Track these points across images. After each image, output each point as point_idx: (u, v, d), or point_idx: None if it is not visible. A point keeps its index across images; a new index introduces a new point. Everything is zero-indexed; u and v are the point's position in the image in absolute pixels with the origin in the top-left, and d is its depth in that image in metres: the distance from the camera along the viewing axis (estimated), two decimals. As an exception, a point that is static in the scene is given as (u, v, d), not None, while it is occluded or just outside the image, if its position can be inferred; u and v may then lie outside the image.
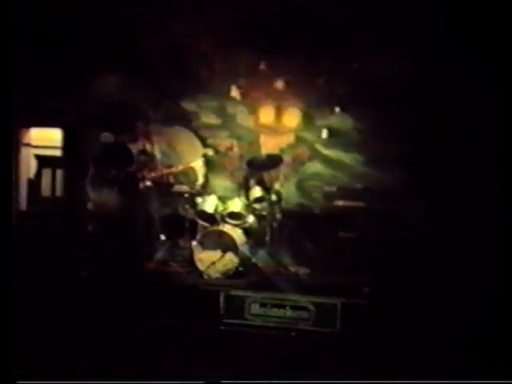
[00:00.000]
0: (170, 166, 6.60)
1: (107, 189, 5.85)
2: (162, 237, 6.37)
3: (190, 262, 5.87)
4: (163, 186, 6.55)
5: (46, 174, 7.09)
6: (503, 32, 5.46)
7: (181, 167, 6.58)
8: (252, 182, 6.35)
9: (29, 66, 6.19)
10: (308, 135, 6.90)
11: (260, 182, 6.30)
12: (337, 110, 6.73)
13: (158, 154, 6.77)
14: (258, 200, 6.19)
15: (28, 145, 7.22)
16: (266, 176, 6.39)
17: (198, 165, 6.65)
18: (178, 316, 5.09)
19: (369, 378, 3.96)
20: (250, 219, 6.23)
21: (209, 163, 6.91)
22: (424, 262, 5.48)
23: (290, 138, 6.91)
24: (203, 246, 5.85)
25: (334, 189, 6.49)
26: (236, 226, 6.11)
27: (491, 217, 5.40)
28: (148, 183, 6.32)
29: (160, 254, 6.17)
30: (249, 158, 6.52)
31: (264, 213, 6.20)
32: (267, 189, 6.21)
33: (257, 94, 6.88)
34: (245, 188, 6.38)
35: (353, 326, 4.94)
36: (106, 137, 6.12)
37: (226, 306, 5.20)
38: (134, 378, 3.91)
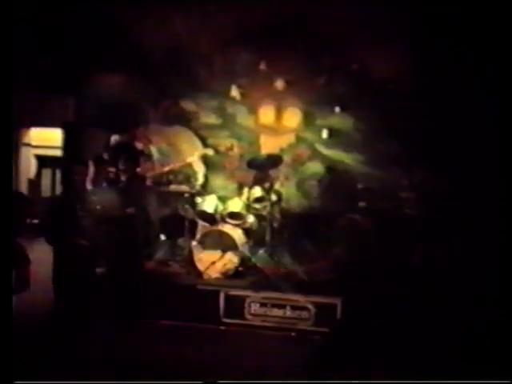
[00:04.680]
0: (167, 165, 6.62)
1: (107, 188, 5.85)
2: (162, 237, 6.37)
3: (190, 262, 5.87)
4: (163, 186, 6.56)
5: (46, 174, 7.09)
6: (504, 32, 5.46)
7: (178, 164, 6.58)
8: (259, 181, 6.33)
9: (29, 65, 6.20)
10: (308, 135, 6.89)
11: (260, 182, 6.29)
12: (337, 109, 6.73)
13: (157, 154, 6.78)
14: (258, 200, 6.19)
15: (28, 145, 7.23)
16: (265, 176, 6.39)
17: (194, 160, 6.64)
18: (177, 316, 5.09)
19: (369, 378, 3.96)
20: (250, 219, 6.22)
21: (209, 163, 6.91)
22: (424, 261, 5.48)
23: (290, 138, 6.90)
24: (203, 246, 5.84)
25: (334, 189, 6.50)
26: (236, 225, 6.10)
27: (492, 216, 5.40)
28: (148, 183, 6.33)
29: (160, 254, 6.16)
30: (249, 158, 6.52)
31: (264, 213, 6.19)
32: (267, 189, 6.20)
33: (257, 94, 6.88)
34: (250, 187, 6.35)
35: (353, 326, 4.94)
36: (117, 139, 6.11)
37: (226, 306, 5.20)
38: (134, 377, 3.91)
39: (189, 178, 6.74)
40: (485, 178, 5.63)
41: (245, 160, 6.57)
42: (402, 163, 6.31)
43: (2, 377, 3.06)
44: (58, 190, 7.04)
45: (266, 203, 6.14)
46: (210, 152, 6.79)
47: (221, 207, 6.21)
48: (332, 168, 6.70)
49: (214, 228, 6.02)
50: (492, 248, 5.11)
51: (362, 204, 6.26)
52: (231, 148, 6.91)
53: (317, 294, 5.17)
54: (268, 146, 6.87)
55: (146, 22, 6.60)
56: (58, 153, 7.03)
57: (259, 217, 6.25)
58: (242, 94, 6.89)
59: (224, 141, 6.97)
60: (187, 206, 6.26)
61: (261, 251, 6.04)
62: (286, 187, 6.74)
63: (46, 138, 7.27)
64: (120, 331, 4.77)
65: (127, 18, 6.58)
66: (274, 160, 6.40)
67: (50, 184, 7.11)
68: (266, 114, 6.85)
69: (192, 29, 6.55)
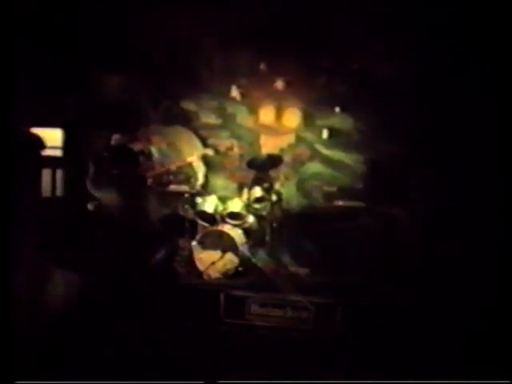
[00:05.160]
0: (167, 165, 6.62)
1: (108, 189, 5.86)
2: (162, 237, 6.37)
3: (190, 262, 5.87)
4: (163, 186, 6.56)
5: (46, 173, 7.08)
6: (504, 32, 5.46)
7: (177, 164, 6.57)
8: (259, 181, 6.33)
9: (29, 65, 6.19)
10: (308, 135, 6.90)
11: (260, 182, 6.30)
12: (337, 109, 6.73)
13: (157, 154, 6.78)
14: (258, 200, 6.19)
15: (28, 145, 7.20)
16: (265, 176, 6.39)
17: (194, 159, 6.64)
18: (177, 316, 5.09)
19: (369, 378, 3.96)
20: (250, 219, 6.23)
21: (209, 163, 6.91)
22: (424, 261, 5.48)
23: (290, 138, 6.91)
24: (203, 246, 5.85)
25: (334, 189, 6.50)
26: (236, 226, 6.11)
27: (492, 217, 5.40)
28: (148, 183, 6.33)
29: (160, 254, 6.17)
30: (249, 158, 6.52)
31: (264, 213, 6.20)
32: (267, 189, 6.20)
33: (257, 94, 6.88)
34: (250, 187, 6.35)
35: (353, 326, 4.94)
36: (117, 139, 6.10)
37: (226, 305, 5.20)
38: (134, 377, 3.91)
39: (189, 178, 6.74)
40: (485, 178, 5.63)
41: (245, 160, 6.58)
42: (402, 163, 6.31)
43: (3, 377, 3.06)
44: (59, 190, 7.03)
45: (266, 203, 6.15)
46: (209, 152, 6.79)
47: (221, 207, 6.22)
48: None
49: (214, 228, 6.02)
50: (492, 248, 5.11)
51: (362, 204, 6.25)
52: (231, 148, 6.92)
53: (317, 294, 5.16)
54: (268, 146, 6.87)
55: (145, 21, 6.59)
56: (58, 153, 7.02)
57: (259, 217, 6.25)
58: (242, 94, 6.89)
59: (224, 141, 6.98)
60: (187, 206, 6.26)
61: (261, 251, 6.05)
62: (285, 187, 6.74)
63: (46, 138, 7.25)
64: (120, 331, 4.77)
65: (127, 18, 6.57)
66: (274, 160, 6.41)
67: (50, 184, 7.09)
68: (266, 114, 6.85)
69: (192, 29, 6.54)
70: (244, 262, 5.80)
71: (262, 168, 6.34)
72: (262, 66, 6.77)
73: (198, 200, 6.24)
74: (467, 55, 5.91)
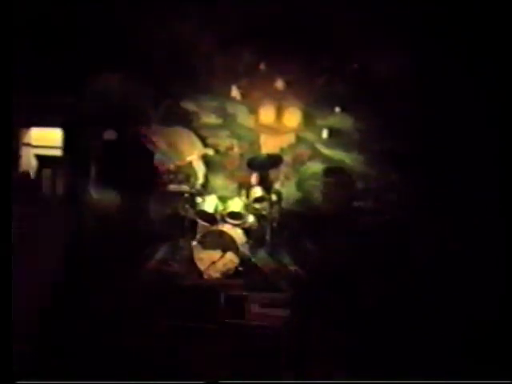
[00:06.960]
0: (167, 165, 6.62)
1: (108, 188, 5.86)
2: (162, 236, 6.37)
3: (190, 262, 5.88)
4: (163, 185, 6.57)
5: (46, 174, 7.08)
6: (504, 31, 5.46)
7: (177, 163, 6.57)
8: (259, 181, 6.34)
9: (29, 65, 6.19)
10: (308, 135, 6.89)
11: (260, 182, 6.30)
12: (337, 109, 6.73)
13: (157, 154, 6.78)
14: (258, 200, 6.19)
15: (28, 145, 7.21)
16: (266, 176, 6.40)
17: (194, 158, 6.63)
18: (177, 316, 5.09)
19: (369, 377, 3.96)
20: (250, 219, 6.23)
21: (209, 163, 6.91)
22: (425, 261, 5.48)
23: (290, 138, 6.91)
24: (203, 245, 5.85)
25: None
26: (236, 225, 6.11)
27: (492, 216, 5.40)
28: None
29: (160, 254, 6.17)
30: (249, 157, 6.52)
31: (264, 213, 6.20)
32: (267, 189, 6.21)
33: (257, 94, 6.88)
34: (250, 187, 6.35)
35: (354, 327, 4.94)
36: (110, 134, 6.09)
37: (226, 305, 5.19)
38: (134, 377, 3.91)
39: (189, 177, 6.74)
40: (485, 178, 5.63)
41: (245, 160, 6.58)
42: (401, 163, 6.31)
43: (3, 377, 3.06)
44: (59, 190, 7.03)
45: (266, 203, 6.15)
46: (210, 152, 6.79)
47: (221, 207, 6.22)
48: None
49: (215, 228, 6.02)
50: (492, 248, 5.12)
51: (360, 204, 6.25)
52: (231, 148, 6.92)
53: (317, 294, 5.17)
54: (268, 145, 6.87)
55: (146, 21, 6.59)
56: (58, 153, 7.02)
57: (259, 217, 6.25)
58: (243, 94, 6.89)
59: (224, 141, 6.97)
60: (187, 206, 6.26)
61: (261, 251, 6.05)
62: (286, 187, 6.74)
63: (46, 138, 7.26)
64: (120, 331, 4.77)
65: (127, 17, 6.57)
66: (274, 160, 6.41)
67: (50, 184, 7.09)
68: (266, 113, 6.85)
69: (192, 29, 6.54)
70: (244, 261, 5.80)
71: (262, 168, 6.34)
72: (262, 66, 6.77)
73: (198, 200, 6.24)
74: (467, 55, 5.91)
